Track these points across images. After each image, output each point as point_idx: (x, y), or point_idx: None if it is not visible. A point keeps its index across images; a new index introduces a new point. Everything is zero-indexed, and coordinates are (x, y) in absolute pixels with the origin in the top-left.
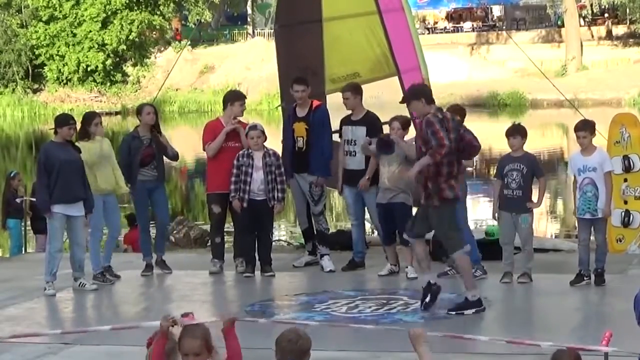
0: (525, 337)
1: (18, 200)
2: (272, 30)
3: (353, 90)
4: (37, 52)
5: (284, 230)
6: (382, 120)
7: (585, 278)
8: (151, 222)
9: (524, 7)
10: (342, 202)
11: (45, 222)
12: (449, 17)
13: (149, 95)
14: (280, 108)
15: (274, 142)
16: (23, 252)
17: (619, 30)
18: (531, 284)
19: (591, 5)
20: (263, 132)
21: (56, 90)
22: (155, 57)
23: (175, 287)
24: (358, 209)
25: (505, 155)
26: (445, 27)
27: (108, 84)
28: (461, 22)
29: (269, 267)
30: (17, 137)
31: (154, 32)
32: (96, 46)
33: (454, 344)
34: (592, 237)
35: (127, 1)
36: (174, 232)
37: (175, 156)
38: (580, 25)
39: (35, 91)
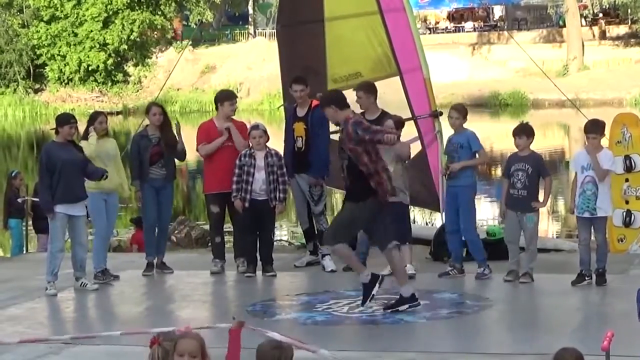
0: (527, 337)
1: (19, 200)
2: (273, 30)
3: (365, 90)
4: (38, 52)
5: (285, 230)
6: None
7: (586, 278)
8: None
9: (525, 7)
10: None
11: (47, 222)
12: (451, 17)
13: (150, 96)
14: (282, 108)
15: (275, 142)
16: (24, 252)
17: (620, 30)
18: (533, 284)
19: (592, 5)
20: (265, 131)
21: (57, 90)
22: (157, 57)
23: (177, 287)
24: None
25: (512, 155)
26: (446, 27)
27: (109, 83)
28: (462, 22)
29: (271, 267)
30: (18, 137)
31: (155, 32)
32: (97, 46)
33: (454, 344)
34: (593, 237)
35: (129, 1)
36: (175, 232)
37: (182, 153)
38: (582, 25)
39: (36, 91)
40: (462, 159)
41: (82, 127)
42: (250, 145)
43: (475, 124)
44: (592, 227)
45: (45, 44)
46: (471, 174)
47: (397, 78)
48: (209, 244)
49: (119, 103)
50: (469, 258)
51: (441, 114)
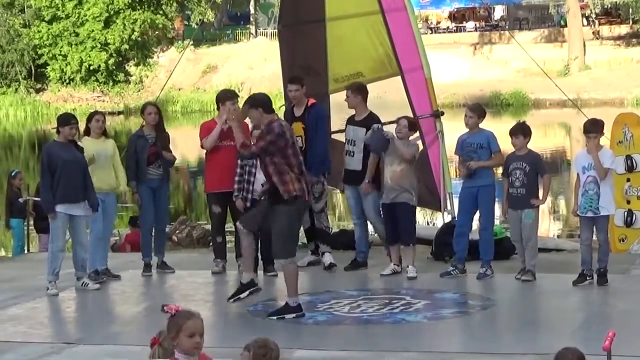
0: (528, 337)
1: (21, 200)
2: (274, 30)
3: (354, 90)
4: (39, 52)
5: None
6: (388, 119)
7: (587, 278)
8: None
9: (526, 6)
10: (345, 201)
11: (48, 222)
12: (452, 16)
13: (151, 95)
14: (283, 108)
15: None
16: (25, 252)
17: (622, 30)
18: (534, 284)
19: (593, 5)
20: None
21: (59, 90)
22: (158, 57)
23: (178, 287)
24: (360, 209)
25: (510, 154)
26: (447, 27)
27: (111, 83)
28: (464, 22)
29: (272, 267)
30: (19, 137)
31: (157, 32)
32: (99, 46)
33: (456, 344)
34: (594, 237)
35: (130, 1)
36: (177, 232)
37: (170, 162)
38: (583, 25)
39: (37, 91)
40: (482, 159)
41: (83, 127)
42: None
43: None
44: (595, 227)
45: (47, 44)
46: (491, 173)
47: (399, 78)
48: (210, 243)
49: (120, 103)
50: (471, 258)
51: (442, 113)
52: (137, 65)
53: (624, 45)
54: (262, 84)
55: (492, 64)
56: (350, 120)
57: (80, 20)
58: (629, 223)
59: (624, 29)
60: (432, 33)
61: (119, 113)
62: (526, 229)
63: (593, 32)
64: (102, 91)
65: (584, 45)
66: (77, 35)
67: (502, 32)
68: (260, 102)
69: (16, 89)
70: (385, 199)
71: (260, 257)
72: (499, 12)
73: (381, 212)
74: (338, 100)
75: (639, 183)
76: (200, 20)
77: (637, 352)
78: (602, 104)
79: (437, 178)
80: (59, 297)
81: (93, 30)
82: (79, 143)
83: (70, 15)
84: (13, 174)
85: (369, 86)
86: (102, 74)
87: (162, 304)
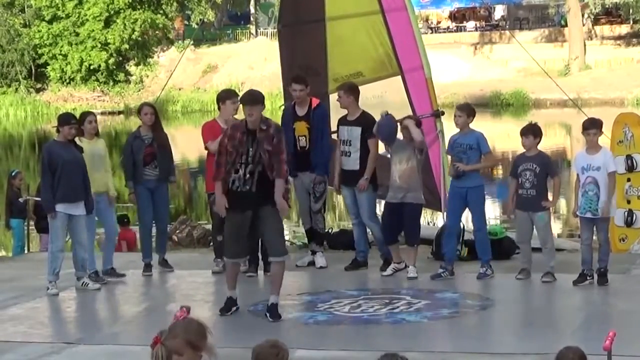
0: (529, 336)
1: (21, 200)
2: (275, 30)
3: (346, 90)
4: (40, 52)
5: (287, 230)
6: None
7: (588, 278)
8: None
9: (527, 6)
10: (344, 201)
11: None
12: (452, 16)
13: (152, 95)
14: (283, 108)
15: None
16: (26, 251)
17: (622, 29)
18: (534, 284)
19: (594, 5)
20: None
21: (59, 90)
22: (158, 57)
23: (178, 287)
24: (357, 208)
25: (519, 155)
26: (448, 27)
27: (111, 83)
28: (464, 22)
29: None
30: (20, 137)
31: (157, 32)
32: (99, 45)
33: (456, 344)
34: (595, 237)
35: (130, 0)
36: (177, 231)
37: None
38: (583, 25)
39: (38, 90)
40: (472, 161)
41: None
42: None
43: (476, 123)
44: (595, 227)
45: (47, 44)
46: (479, 174)
47: (399, 78)
48: (211, 243)
49: (121, 103)
50: (470, 258)
51: (443, 113)
52: (137, 65)
53: (624, 45)
54: (263, 84)
55: (493, 63)
56: (343, 121)
57: (81, 20)
58: (629, 223)
59: (624, 29)
60: (432, 33)
61: (119, 113)
62: (541, 232)
63: (587, 32)
64: (102, 91)
65: (585, 45)
66: (77, 35)
67: (502, 31)
68: (262, 99)
69: (16, 89)
70: (392, 198)
71: (260, 257)
72: (499, 11)
73: (377, 212)
74: (337, 101)
75: (639, 183)
76: (200, 20)
77: (638, 352)
78: (603, 104)
79: (437, 178)
80: (59, 297)
81: (93, 30)
82: (78, 143)
83: (70, 15)
84: (13, 174)
85: (369, 86)
86: (102, 74)
87: (182, 305)
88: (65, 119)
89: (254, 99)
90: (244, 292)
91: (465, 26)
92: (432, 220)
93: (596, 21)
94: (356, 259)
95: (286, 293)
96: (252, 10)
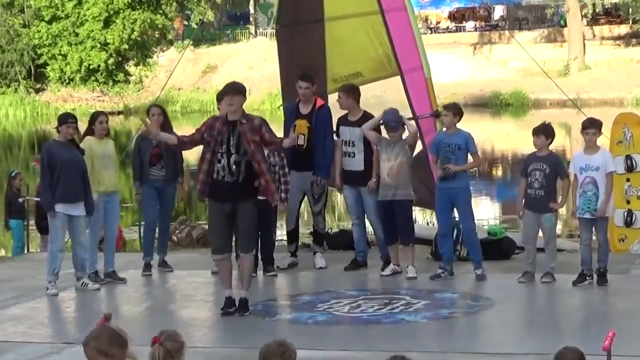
0: (528, 337)
1: (20, 200)
2: (274, 30)
3: (345, 91)
4: (39, 52)
5: (283, 230)
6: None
7: (587, 278)
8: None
9: (526, 6)
10: (344, 201)
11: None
12: (452, 16)
13: (151, 95)
14: (282, 108)
15: None
16: (25, 252)
17: (622, 30)
18: (533, 284)
19: (593, 5)
20: None
21: (58, 90)
22: (158, 57)
23: (178, 287)
24: (359, 209)
25: (530, 154)
26: (447, 27)
27: (110, 83)
28: (464, 22)
29: (272, 267)
30: (19, 137)
31: (157, 32)
32: (98, 45)
33: (455, 344)
34: (594, 237)
35: (130, 0)
36: (177, 231)
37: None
38: (586, 25)
39: (37, 91)
40: (460, 161)
41: (83, 127)
42: None
43: (476, 123)
44: (594, 227)
45: (46, 44)
46: (466, 175)
47: (398, 78)
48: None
49: (120, 103)
50: (468, 258)
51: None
52: (136, 65)
53: (623, 45)
54: (262, 84)
55: (492, 63)
56: (344, 121)
57: (80, 20)
58: (628, 223)
59: (623, 29)
60: (431, 33)
61: (119, 113)
62: (546, 233)
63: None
64: (101, 91)
65: (584, 45)
66: (76, 35)
67: (502, 32)
68: (244, 89)
69: (16, 89)
70: (382, 196)
71: (260, 257)
72: (498, 12)
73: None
74: (336, 101)
75: (639, 183)
76: (200, 20)
77: (637, 352)
78: (602, 104)
79: (436, 178)
80: (59, 297)
81: (93, 30)
82: (80, 144)
83: (69, 15)
84: (13, 174)
85: (368, 86)
86: (101, 74)
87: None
88: (64, 118)
89: (235, 88)
90: None
91: (464, 26)
92: (431, 221)
93: (595, 21)
94: (356, 259)
95: (285, 293)
96: (252, 11)
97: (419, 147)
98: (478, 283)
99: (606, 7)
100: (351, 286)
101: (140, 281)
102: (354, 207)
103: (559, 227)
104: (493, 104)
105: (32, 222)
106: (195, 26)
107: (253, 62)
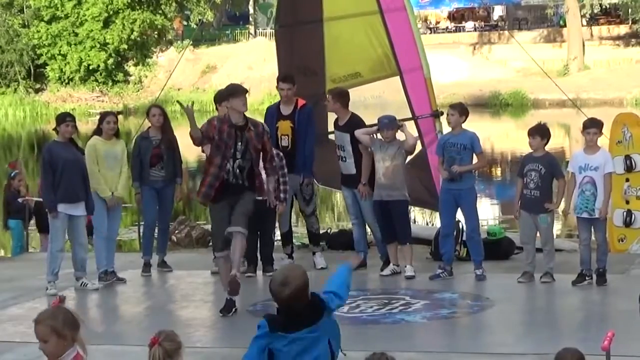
0: (527, 337)
1: (20, 200)
2: (274, 30)
3: (334, 95)
4: (39, 52)
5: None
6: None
7: (586, 278)
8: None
9: (525, 6)
10: (343, 201)
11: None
12: (451, 16)
13: (151, 95)
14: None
15: None
16: (25, 252)
17: (621, 30)
18: (533, 284)
19: (591, 5)
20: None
21: (58, 90)
22: (157, 57)
23: (177, 287)
24: (357, 209)
25: (527, 155)
26: (447, 27)
27: (110, 83)
28: (463, 22)
29: (271, 267)
30: (19, 137)
31: (156, 32)
32: (98, 45)
33: (455, 344)
34: (593, 237)
35: (129, 1)
36: (176, 231)
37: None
38: (582, 25)
39: (37, 91)
40: (465, 161)
41: (83, 127)
42: None
43: (475, 123)
44: (592, 227)
45: (46, 44)
46: (472, 175)
47: (398, 78)
48: (210, 243)
49: (120, 103)
50: (469, 258)
51: (442, 113)
52: (136, 65)
53: (623, 45)
54: (262, 84)
55: (492, 64)
56: (335, 126)
57: (80, 20)
58: (628, 223)
59: (623, 29)
60: (431, 33)
61: (119, 113)
62: (543, 234)
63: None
64: (101, 91)
65: (583, 45)
66: (76, 35)
67: (501, 32)
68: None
69: (15, 89)
70: (378, 197)
71: (259, 257)
72: (498, 12)
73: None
74: None
75: (638, 183)
76: (199, 20)
77: (636, 352)
78: (602, 104)
79: (436, 178)
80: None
81: (92, 30)
82: (79, 144)
83: (69, 15)
84: (13, 174)
85: (368, 86)
86: (101, 74)
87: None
88: (62, 117)
89: (244, 89)
90: (243, 292)
91: (464, 26)
92: (430, 221)
93: (595, 21)
94: None
95: None
96: (251, 11)
97: (418, 147)
98: (478, 283)
99: (605, 7)
100: (351, 286)
101: (140, 281)
102: (352, 207)
103: (558, 227)
104: (492, 104)
105: (31, 222)
106: (195, 26)
107: (252, 62)
